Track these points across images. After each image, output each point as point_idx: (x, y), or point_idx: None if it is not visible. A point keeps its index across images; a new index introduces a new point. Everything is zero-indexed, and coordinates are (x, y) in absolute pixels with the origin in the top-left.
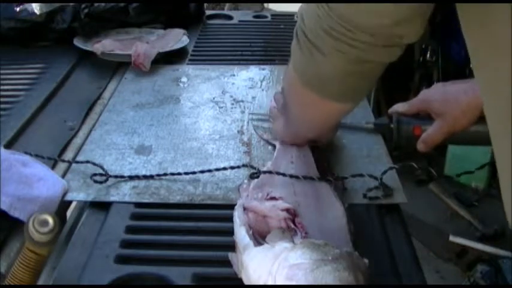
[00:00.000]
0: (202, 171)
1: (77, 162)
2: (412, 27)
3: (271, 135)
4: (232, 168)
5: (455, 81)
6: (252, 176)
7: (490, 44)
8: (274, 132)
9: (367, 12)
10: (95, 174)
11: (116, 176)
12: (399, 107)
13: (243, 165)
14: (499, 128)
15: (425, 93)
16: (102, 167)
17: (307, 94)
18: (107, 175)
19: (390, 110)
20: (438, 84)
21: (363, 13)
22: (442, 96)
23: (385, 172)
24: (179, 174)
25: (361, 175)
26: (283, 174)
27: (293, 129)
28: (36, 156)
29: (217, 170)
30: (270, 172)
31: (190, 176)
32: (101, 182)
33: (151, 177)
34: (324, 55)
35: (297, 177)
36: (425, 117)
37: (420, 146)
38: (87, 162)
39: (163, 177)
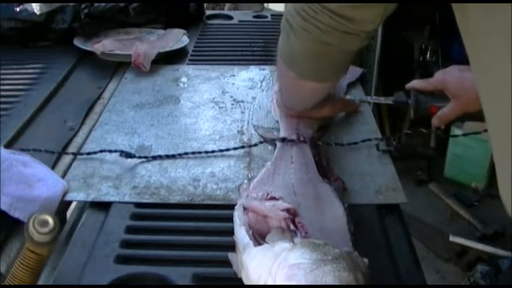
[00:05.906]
0: (221, 150)
1: (89, 153)
2: (368, 14)
3: (271, 134)
4: (249, 146)
5: None
6: (283, 140)
7: (475, 40)
8: (277, 103)
9: None
10: (123, 152)
11: (139, 157)
12: (417, 84)
13: (261, 142)
14: (496, 119)
15: (441, 74)
16: (122, 151)
17: (287, 71)
18: (132, 155)
19: (408, 86)
20: (454, 67)
21: None
22: (459, 80)
23: (399, 136)
24: (199, 153)
25: (369, 139)
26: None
27: (284, 101)
28: (46, 151)
29: (236, 148)
30: (292, 140)
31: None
32: (131, 157)
33: (173, 156)
34: (295, 34)
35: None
36: (440, 94)
37: (435, 122)
38: (101, 151)
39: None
